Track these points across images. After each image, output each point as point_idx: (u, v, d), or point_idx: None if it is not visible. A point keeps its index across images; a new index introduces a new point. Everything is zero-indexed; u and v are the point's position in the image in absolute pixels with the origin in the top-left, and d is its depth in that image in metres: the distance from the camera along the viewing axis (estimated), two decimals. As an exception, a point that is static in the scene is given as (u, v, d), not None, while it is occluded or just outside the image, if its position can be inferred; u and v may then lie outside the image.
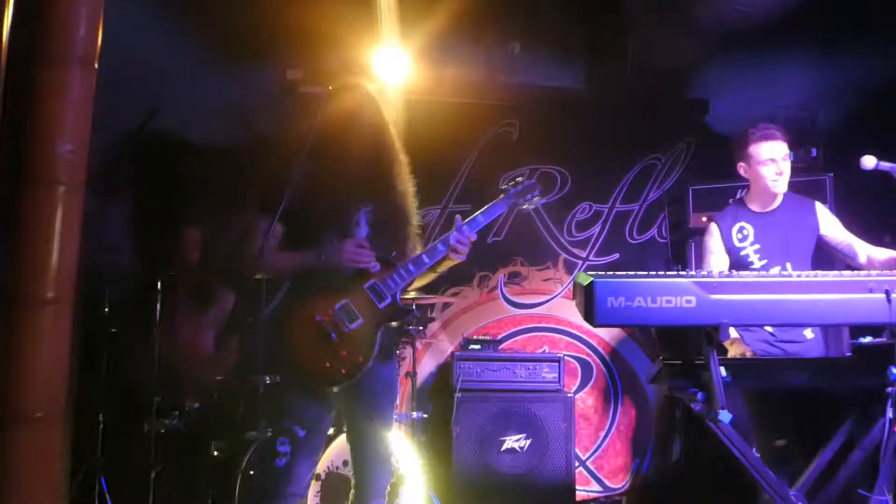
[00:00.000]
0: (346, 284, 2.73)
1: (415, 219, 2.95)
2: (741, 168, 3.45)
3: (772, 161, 3.34)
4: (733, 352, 3.28)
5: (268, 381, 3.28)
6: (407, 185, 2.92)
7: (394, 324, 2.80)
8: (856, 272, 2.51)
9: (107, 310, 3.87)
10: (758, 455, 3.03)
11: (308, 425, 2.71)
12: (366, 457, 2.79)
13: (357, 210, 2.82)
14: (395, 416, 2.93)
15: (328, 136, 2.75)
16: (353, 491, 2.82)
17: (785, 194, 3.44)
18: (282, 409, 2.72)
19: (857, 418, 2.64)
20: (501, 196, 2.91)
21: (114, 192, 4.39)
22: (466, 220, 2.85)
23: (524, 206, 2.94)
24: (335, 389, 2.70)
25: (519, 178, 2.96)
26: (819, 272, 2.48)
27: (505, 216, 5.17)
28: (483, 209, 2.87)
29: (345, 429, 2.99)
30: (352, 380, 2.68)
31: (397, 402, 2.94)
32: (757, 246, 3.38)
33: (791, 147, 3.43)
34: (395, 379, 2.95)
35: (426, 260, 2.78)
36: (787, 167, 3.36)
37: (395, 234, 2.88)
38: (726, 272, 3.23)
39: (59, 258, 1.71)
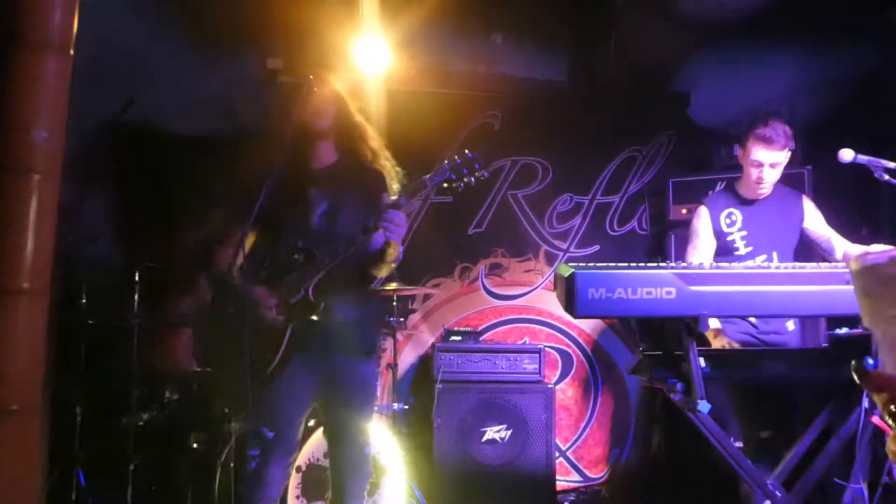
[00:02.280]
0: (269, 278, 2.67)
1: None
2: (739, 153, 3.44)
3: (758, 165, 3.33)
4: (716, 344, 3.31)
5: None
6: (382, 175, 2.84)
7: (314, 317, 2.65)
8: (833, 264, 2.53)
9: (84, 301, 3.82)
10: (737, 445, 3.06)
11: (277, 427, 2.64)
12: (343, 456, 2.73)
13: (322, 201, 2.77)
14: (372, 414, 2.84)
15: (296, 123, 2.69)
16: (330, 491, 2.77)
17: (775, 185, 3.46)
18: (252, 409, 2.60)
19: (834, 408, 2.67)
20: (427, 175, 2.67)
21: (92, 182, 4.33)
22: (387, 203, 2.67)
23: (460, 183, 2.66)
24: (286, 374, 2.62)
25: (457, 157, 2.68)
26: (797, 264, 2.51)
27: (488, 205, 5.18)
28: (404, 191, 2.69)
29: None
30: (263, 376, 2.59)
31: (375, 400, 2.85)
32: (744, 233, 3.42)
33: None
34: (374, 377, 2.86)
35: (341, 249, 2.64)
36: (771, 174, 3.35)
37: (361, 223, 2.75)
38: (707, 263, 3.28)
39: (35, 248, 1.68)
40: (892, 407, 0.81)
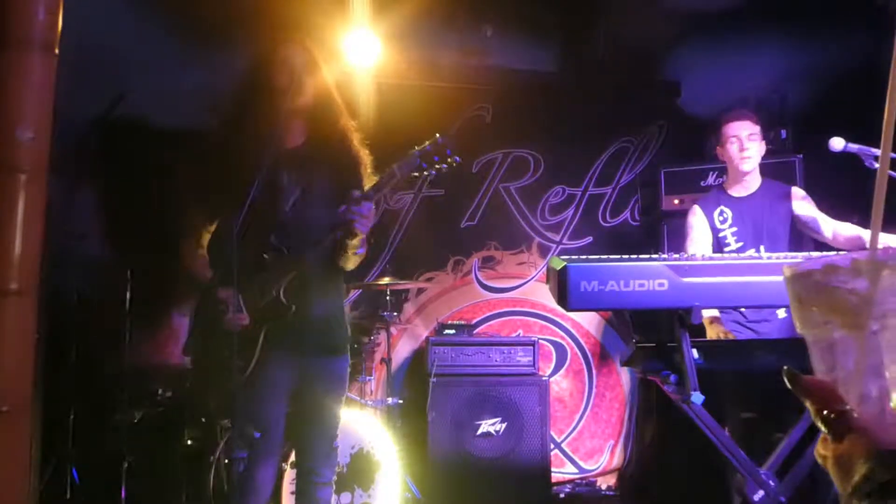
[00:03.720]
0: (248, 276, 2.52)
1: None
2: (718, 152, 3.59)
3: (736, 138, 3.46)
4: (711, 333, 3.32)
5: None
6: (357, 161, 2.68)
7: (285, 319, 2.54)
8: (823, 254, 2.53)
9: (76, 298, 3.81)
10: (729, 434, 3.07)
11: (263, 426, 2.58)
12: (312, 448, 2.69)
13: (293, 187, 2.64)
14: (341, 407, 2.78)
15: (264, 98, 2.57)
16: (297, 482, 2.73)
17: (763, 180, 3.57)
18: (236, 410, 2.53)
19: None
20: (396, 164, 2.53)
21: (82, 179, 4.31)
22: (357, 196, 2.50)
23: (431, 171, 2.54)
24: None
25: (427, 144, 2.54)
26: (789, 254, 2.51)
27: (480, 198, 5.17)
28: (374, 183, 2.55)
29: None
30: (238, 380, 2.47)
31: (344, 393, 2.78)
32: (734, 229, 3.50)
33: (762, 128, 3.53)
34: (346, 371, 2.76)
35: (309, 248, 2.53)
36: (753, 147, 3.46)
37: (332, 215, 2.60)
38: (699, 255, 3.31)
39: (22, 248, 1.67)
40: (825, 413, 0.81)
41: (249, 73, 2.73)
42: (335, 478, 2.78)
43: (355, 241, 2.57)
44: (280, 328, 2.58)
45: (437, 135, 2.56)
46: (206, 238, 2.75)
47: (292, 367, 2.65)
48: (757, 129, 3.48)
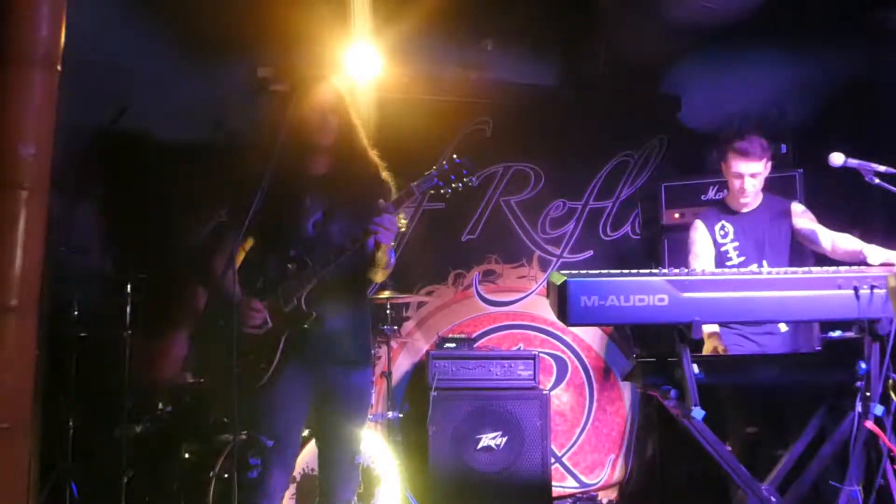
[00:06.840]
0: (265, 286, 2.67)
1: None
2: (722, 167, 3.56)
3: (738, 177, 3.45)
4: (708, 346, 3.31)
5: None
6: (379, 189, 2.78)
7: (305, 326, 2.63)
8: (825, 269, 2.53)
9: (76, 313, 3.81)
10: (730, 449, 3.06)
11: (277, 435, 2.62)
12: (333, 464, 2.71)
13: (316, 208, 2.74)
14: (365, 424, 2.83)
15: (293, 133, 2.66)
16: (318, 499, 2.77)
17: (765, 196, 3.57)
18: (250, 418, 2.61)
19: (827, 412, 2.67)
20: (414, 183, 2.68)
21: (83, 192, 4.32)
22: (381, 206, 2.64)
23: (448, 189, 2.67)
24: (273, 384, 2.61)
25: (445, 163, 2.68)
26: (789, 269, 2.51)
27: (481, 212, 5.18)
28: (394, 199, 2.68)
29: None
30: (256, 386, 2.59)
31: (369, 410, 2.84)
32: (736, 243, 3.50)
33: (768, 153, 3.48)
34: (368, 386, 2.86)
35: (332, 258, 2.64)
36: (752, 184, 3.45)
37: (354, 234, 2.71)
38: (699, 270, 3.31)
39: (23, 265, 1.67)
40: None
41: (284, 111, 2.78)
42: (355, 498, 2.78)
43: (382, 255, 2.70)
44: (299, 336, 2.65)
45: (454, 155, 2.70)
46: (241, 256, 2.82)
47: (311, 377, 2.69)
48: (762, 165, 3.42)
